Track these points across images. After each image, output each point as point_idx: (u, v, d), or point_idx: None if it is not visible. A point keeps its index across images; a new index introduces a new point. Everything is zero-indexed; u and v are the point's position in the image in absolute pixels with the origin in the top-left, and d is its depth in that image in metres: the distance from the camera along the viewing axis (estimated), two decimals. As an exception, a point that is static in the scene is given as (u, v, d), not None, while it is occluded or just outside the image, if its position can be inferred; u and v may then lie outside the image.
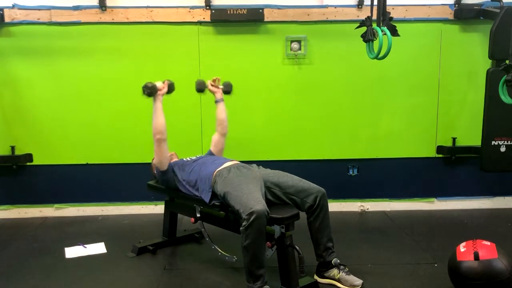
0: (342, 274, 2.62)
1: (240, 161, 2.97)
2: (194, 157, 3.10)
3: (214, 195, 2.73)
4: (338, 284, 2.62)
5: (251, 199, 2.41)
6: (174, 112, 3.82)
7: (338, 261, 2.64)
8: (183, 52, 3.79)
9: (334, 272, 2.63)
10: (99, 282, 2.76)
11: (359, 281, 2.60)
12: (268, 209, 2.38)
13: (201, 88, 3.20)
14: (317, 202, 2.59)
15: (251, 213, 2.31)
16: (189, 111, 3.83)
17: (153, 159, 3.17)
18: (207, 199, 2.74)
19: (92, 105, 3.81)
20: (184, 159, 3.09)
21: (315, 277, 2.69)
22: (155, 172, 3.10)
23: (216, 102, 3.23)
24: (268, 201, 2.56)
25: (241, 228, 2.36)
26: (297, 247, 2.50)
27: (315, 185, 2.66)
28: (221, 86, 3.23)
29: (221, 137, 3.23)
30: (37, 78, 3.76)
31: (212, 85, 3.21)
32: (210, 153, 3.22)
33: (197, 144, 3.83)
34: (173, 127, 3.82)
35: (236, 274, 2.79)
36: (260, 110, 3.89)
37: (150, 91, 2.94)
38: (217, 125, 3.24)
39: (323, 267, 2.67)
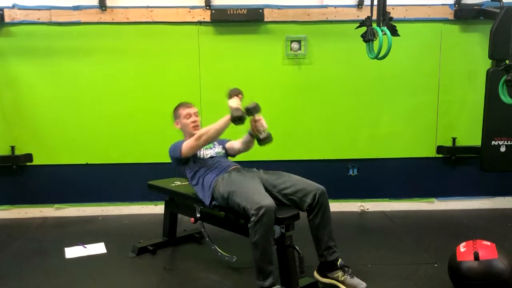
0: (347, 277, 2.59)
1: (241, 162, 2.97)
2: (207, 153, 2.95)
3: (213, 198, 2.73)
4: (343, 287, 2.59)
5: (257, 195, 2.41)
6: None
7: (343, 262, 2.62)
8: (183, 52, 3.79)
9: (339, 274, 2.60)
10: (99, 282, 2.76)
11: (363, 284, 2.57)
12: (275, 204, 2.37)
13: (254, 111, 2.68)
14: (316, 200, 2.55)
15: (259, 208, 2.30)
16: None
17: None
18: (207, 202, 2.76)
19: (92, 105, 3.81)
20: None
21: (315, 274, 2.67)
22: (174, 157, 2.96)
23: (250, 134, 2.86)
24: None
25: (249, 225, 2.35)
26: (297, 247, 2.50)
27: (314, 183, 2.63)
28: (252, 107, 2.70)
29: (237, 151, 3.06)
30: (37, 78, 3.76)
31: (256, 122, 2.75)
32: (223, 145, 3.07)
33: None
34: (173, 127, 3.84)
35: (236, 274, 2.79)
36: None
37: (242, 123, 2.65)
38: (241, 147, 2.98)
39: (327, 267, 2.63)
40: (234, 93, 2.70)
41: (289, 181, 2.66)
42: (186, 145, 2.80)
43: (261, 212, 2.30)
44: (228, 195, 2.57)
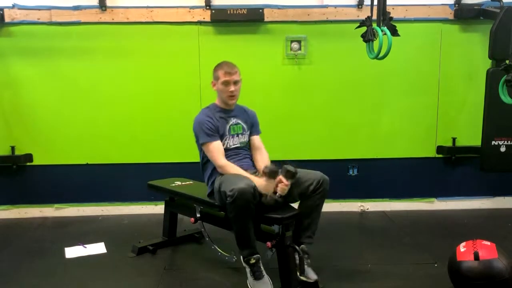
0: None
1: None
2: (232, 144, 2.81)
3: (213, 192, 2.76)
4: None
5: (237, 180, 2.45)
6: (174, 112, 3.83)
7: (307, 249, 2.60)
8: (183, 52, 3.78)
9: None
10: (99, 282, 2.76)
11: (314, 277, 2.55)
12: (254, 186, 2.42)
13: (288, 176, 2.56)
14: (319, 184, 2.59)
15: (232, 190, 2.37)
16: (189, 111, 3.81)
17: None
18: (207, 192, 2.82)
19: (92, 105, 3.81)
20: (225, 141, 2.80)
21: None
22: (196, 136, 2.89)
23: (266, 175, 2.64)
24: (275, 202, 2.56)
25: (226, 204, 2.43)
26: (297, 247, 2.50)
27: (317, 172, 2.67)
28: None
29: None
30: (37, 78, 3.76)
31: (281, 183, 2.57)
32: (251, 134, 2.92)
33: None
34: (173, 126, 3.84)
35: (236, 274, 2.78)
36: (260, 110, 3.87)
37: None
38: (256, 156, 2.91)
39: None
40: (274, 175, 2.53)
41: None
42: (207, 149, 2.72)
43: (235, 194, 2.36)
44: (219, 187, 2.61)
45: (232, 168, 2.69)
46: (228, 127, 2.82)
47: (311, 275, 2.56)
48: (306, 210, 2.63)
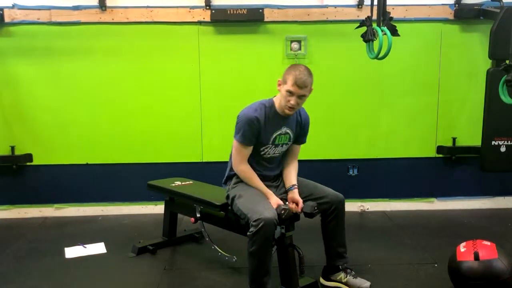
0: (350, 278, 2.60)
1: None
2: (270, 153, 2.60)
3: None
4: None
5: (260, 206, 2.36)
6: (174, 112, 3.83)
7: (346, 265, 2.64)
8: (183, 52, 3.78)
9: (341, 275, 2.61)
10: (99, 282, 2.76)
11: (367, 283, 2.57)
12: (277, 217, 2.33)
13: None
14: (331, 209, 2.56)
15: (259, 220, 2.25)
16: (189, 111, 3.83)
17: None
18: (223, 186, 2.72)
19: (92, 105, 3.81)
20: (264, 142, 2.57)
21: (321, 280, 2.67)
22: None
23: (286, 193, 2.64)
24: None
25: (248, 234, 2.31)
26: (297, 247, 2.50)
27: (331, 192, 2.59)
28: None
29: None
30: (37, 78, 3.76)
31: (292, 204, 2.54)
32: (294, 141, 2.68)
33: (197, 144, 3.84)
34: (173, 126, 3.84)
35: (236, 274, 2.79)
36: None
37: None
38: (283, 166, 2.73)
39: (330, 270, 2.65)
40: (285, 216, 2.42)
41: (307, 190, 2.62)
42: (235, 147, 2.53)
43: (260, 224, 2.24)
44: (233, 198, 2.55)
45: (249, 177, 2.54)
46: (274, 136, 2.55)
47: (364, 284, 2.56)
48: (330, 235, 2.63)
